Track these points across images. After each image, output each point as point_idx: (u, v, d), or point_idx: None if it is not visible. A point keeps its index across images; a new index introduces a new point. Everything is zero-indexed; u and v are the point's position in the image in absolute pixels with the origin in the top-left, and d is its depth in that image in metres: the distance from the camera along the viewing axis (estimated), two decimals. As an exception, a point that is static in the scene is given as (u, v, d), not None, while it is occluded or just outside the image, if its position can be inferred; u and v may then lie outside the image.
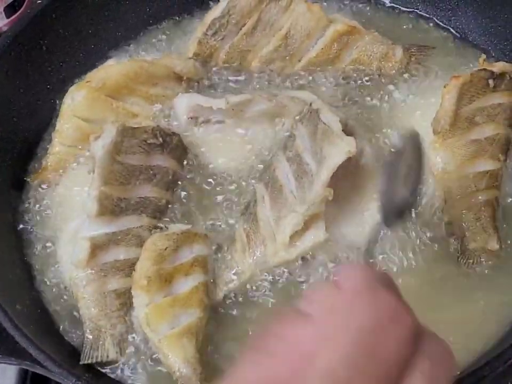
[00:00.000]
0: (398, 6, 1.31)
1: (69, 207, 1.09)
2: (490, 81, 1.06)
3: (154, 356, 0.95)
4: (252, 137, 1.13)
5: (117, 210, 1.01)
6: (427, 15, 1.30)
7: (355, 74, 1.20)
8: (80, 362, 0.94)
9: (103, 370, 0.95)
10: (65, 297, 1.02)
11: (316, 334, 0.57)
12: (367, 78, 1.20)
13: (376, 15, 1.30)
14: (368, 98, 1.18)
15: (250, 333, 0.95)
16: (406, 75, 1.19)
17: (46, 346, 0.91)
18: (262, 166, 1.10)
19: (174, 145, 1.09)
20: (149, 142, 1.06)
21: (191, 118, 1.14)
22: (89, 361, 0.94)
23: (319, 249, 1.00)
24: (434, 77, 1.19)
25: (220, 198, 1.09)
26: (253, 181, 1.09)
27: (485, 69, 1.07)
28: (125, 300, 0.98)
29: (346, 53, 1.19)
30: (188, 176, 1.10)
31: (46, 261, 1.06)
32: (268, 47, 1.19)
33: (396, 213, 0.84)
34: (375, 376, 0.54)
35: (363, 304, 0.58)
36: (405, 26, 1.28)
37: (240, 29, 1.19)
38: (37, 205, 1.11)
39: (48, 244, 1.08)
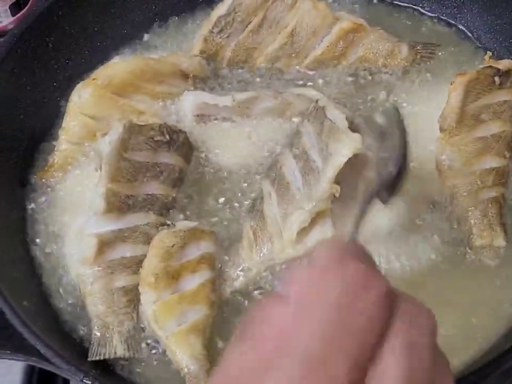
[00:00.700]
0: (403, 4, 1.31)
1: (76, 204, 1.09)
2: (496, 79, 1.06)
3: (161, 352, 0.95)
4: (258, 134, 1.13)
5: (124, 207, 1.01)
6: (432, 13, 1.30)
7: (361, 72, 1.20)
8: (88, 359, 0.94)
9: (111, 367, 0.95)
10: (72, 294, 1.02)
11: (292, 313, 0.56)
12: (372, 76, 1.19)
13: (381, 13, 1.30)
14: (374, 96, 1.18)
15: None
16: (411, 72, 1.19)
17: (54, 342, 0.91)
18: (268, 163, 1.10)
19: (180, 142, 1.09)
20: (155, 139, 1.06)
21: (198, 115, 1.14)
22: (97, 358, 0.94)
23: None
24: (440, 75, 1.19)
25: (226, 195, 1.09)
26: (259, 178, 1.09)
27: (490, 66, 1.07)
28: (132, 297, 0.98)
29: (352, 50, 1.19)
30: (194, 173, 1.10)
31: (52, 258, 1.06)
32: (274, 44, 1.19)
33: (387, 189, 0.88)
34: (351, 349, 0.54)
35: (332, 277, 0.57)
36: (410, 24, 1.28)
37: (246, 27, 1.19)
38: (43, 202, 1.11)
39: (55, 241, 1.08)
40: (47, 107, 1.19)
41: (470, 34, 1.26)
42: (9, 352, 0.92)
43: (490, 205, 1.02)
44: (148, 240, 1.00)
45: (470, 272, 1.00)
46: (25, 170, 1.14)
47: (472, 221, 1.02)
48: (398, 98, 1.17)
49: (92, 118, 1.12)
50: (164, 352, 0.95)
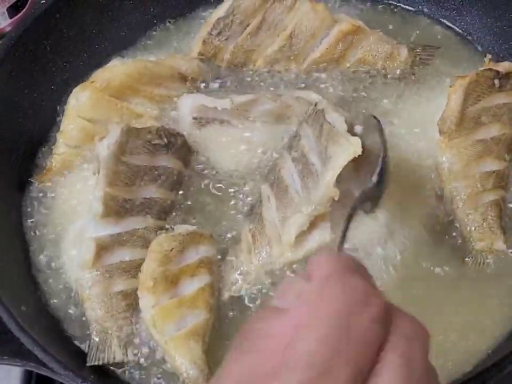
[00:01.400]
0: (402, 5, 1.31)
1: (74, 208, 1.09)
2: (496, 81, 1.06)
3: (161, 357, 0.95)
4: (256, 137, 1.12)
5: (122, 211, 1.01)
6: (432, 15, 1.29)
7: (360, 74, 1.19)
8: (87, 364, 0.94)
9: (110, 372, 0.95)
10: (70, 298, 1.02)
11: (292, 323, 0.58)
12: (371, 78, 1.19)
13: (380, 15, 1.29)
14: (373, 98, 1.17)
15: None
16: (410, 75, 1.19)
17: (52, 347, 0.91)
18: (267, 166, 1.09)
19: (178, 145, 1.08)
20: (153, 142, 1.06)
21: (196, 118, 1.13)
22: (96, 363, 0.94)
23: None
24: (439, 77, 1.18)
25: (225, 198, 1.08)
26: (257, 181, 1.08)
27: (490, 69, 1.06)
28: (131, 301, 0.97)
29: (351, 52, 1.18)
30: (192, 177, 1.10)
31: (50, 262, 1.06)
32: (273, 47, 1.19)
33: (368, 199, 0.91)
34: (351, 356, 0.56)
35: (332, 290, 0.59)
36: (409, 26, 1.28)
37: (245, 29, 1.19)
38: (41, 206, 1.11)
39: (53, 245, 1.07)
40: (45, 110, 1.18)
41: (469, 37, 1.26)
42: (7, 357, 0.92)
43: (490, 208, 1.01)
44: (146, 244, 1.00)
45: (471, 275, 1.00)
46: (23, 174, 1.14)
47: (472, 224, 1.01)
48: (397, 100, 1.16)
49: (90, 121, 1.12)
50: (163, 357, 0.94)
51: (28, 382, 1.05)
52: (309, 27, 1.17)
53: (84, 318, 0.99)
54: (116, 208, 1.00)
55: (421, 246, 1.02)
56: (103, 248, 0.98)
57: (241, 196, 1.08)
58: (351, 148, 0.95)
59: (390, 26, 1.26)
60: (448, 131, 1.04)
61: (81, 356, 0.96)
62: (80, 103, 1.12)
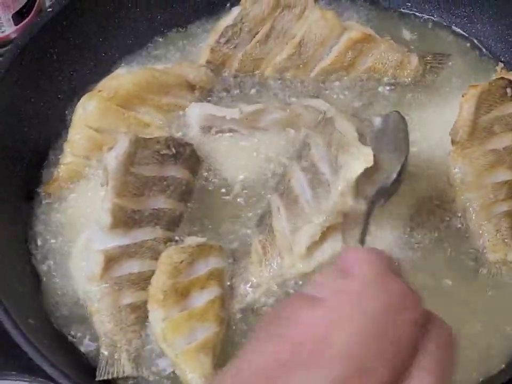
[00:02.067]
0: (412, 13, 1.29)
1: (81, 218, 1.08)
2: (508, 90, 1.04)
3: (170, 371, 0.94)
4: (266, 147, 1.11)
5: (130, 222, 1.00)
6: (442, 22, 1.28)
7: (370, 83, 1.18)
8: (96, 379, 0.93)
9: (119, 387, 0.94)
10: (78, 311, 1.01)
11: (328, 316, 0.58)
12: (382, 87, 1.18)
13: (390, 22, 1.28)
14: (383, 107, 1.16)
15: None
16: (421, 83, 1.18)
17: (60, 362, 0.89)
18: (276, 176, 1.08)
19: (187, 155, 1.07)
20: (162, 152, 1.04)
21: (204, 128, 1.13)
22: (106, 377, 0.93)
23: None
24: (450, 85, 1.17)
25: (234, 208, 1.07)
26: (267, 191, 1.07)
27: (502, 78, 1.06)
28: (140, 314, 0.97)
29: (360, 60, 1.17)
30: (201, 187, 1.09)
31: (57, 274, 1.05)
32: (282, 55, 1.17)
33: (383, 195, 0.92)
34: (387, 357, 0.56)
35: (375, 289, 0.60)
36: (420, 34, 1.26)
37: (253, 37, 1.17)
38: (48, 217, 1.10)
39: (60, 256, 1.06)
40: (52, 119, 1.17)
41: (480, 45, 1.24)
42: (15, 372, 0.91)
43: (503, 219, 1.01)
44: (155, 255, 0.99)
45: (484, 288, 0.99)
46: (30, 184, 1.12)
47: (485, 235, 1.01)
48: (408, 109, 1.15)
49: (97, 130, 1.11)
50: (173, 371, 0.93)
51: (34, 396, 1.04)
52: (318, 35, 1.16)
53: (92, 331, 0.98)
54: (125, 219, 0.99)
55: (432, 256, 1.01)
56: (111, 260, 0.97)
57: (250, 206, 1.07)
58: (362, 158, 0.94)
59: (400, 34, 1.25)
60: (460, 141, 1.03)
61: (90, 370, 0.95)
62: (87, 112, 1.10)
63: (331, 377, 0.54)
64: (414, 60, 1.18)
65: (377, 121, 0.99)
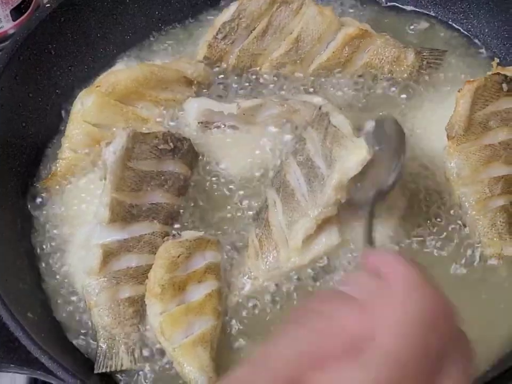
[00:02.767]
0: (409, 9, 1.29)
1: (79, 213, 1.09)
2: (504, 85, 1.05)
3: (168, 364, 0.94)
4: (263, 142, 1.12)
5: (128, 216, 1.00)
6: (439, 18, 1.28)
7: (366, 78, 1.18)
8: (95, 372, 0.93)
9: (117, 380, 0.94)
10: (77, 305, 1.01)
11: (374, 318, 0.59)
12: (378, 82, 1.18)
13: (387, 18, 1.28)
14: (379, 102, 1.16)
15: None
16: (417, 79, 1.18)
17: (59, 355, 0.90)
18: (273, 170, 1.09)
19: (185, 150, 1.08)
20: (160, 147, 1.05)
21: (202, 123, 1.13)
22: (104, 371, 0.93)
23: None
24: (446, 81, 1.18)
25: (231, 203, 1.08)
26: (263, 186, 1.08)
27: (498, 73, 1.06)
28: (138, 308, 0.97)
29: (357, 56, 1.18)
30: (199, 181, 1.09)
31: (56, 268, 1.05)
32: (279, 50, 1.18)
33: (383, 197, 0.94)
34: (427, 364, 0.58)
35: (418, 295, 0.60)
36: (416, 29, 1.27)
37: (251, 33, 1.18)
38: (46, 211, 1.10)
39: (58, 251, 1.07)
40: (50, 115, 1.18)
41: (476, 40, 1.25)
42: (14, 365, 0.91)
43: (499, 213, 1.01)
44: (153, 249, 0.99)
45: (479, 280, 1.00)
46: (28, 179, 1.13)
47: (481, 230, 1.01)
48: (404, 104, 1.16)
49: (95, 125, 1.11)
50: (171, 364, 0.94)
51: (33, 389, 1.05)
52: (316, 31, 1.17)
53: (91, 325, 0.98)
54: (123, 214, 1.00)
55: (427, 250, 1.01)
56: (110, 254, 0.98)
57: (247, 200, 1.08)
58: (357, 150, 0.95)
59: (397, 30, 1.25)
60: (456, 136, 1.04)
61: (88, 363, 0.95)
62: (85, 108, 1.11)
63: (379, 377, 0.55)
64: (411, 55, 1.18)
65: (370, 124, 0.99)
